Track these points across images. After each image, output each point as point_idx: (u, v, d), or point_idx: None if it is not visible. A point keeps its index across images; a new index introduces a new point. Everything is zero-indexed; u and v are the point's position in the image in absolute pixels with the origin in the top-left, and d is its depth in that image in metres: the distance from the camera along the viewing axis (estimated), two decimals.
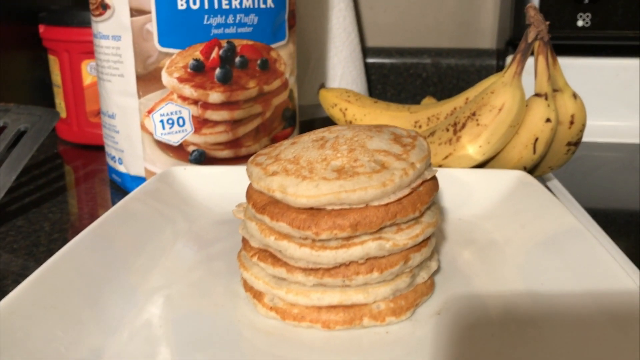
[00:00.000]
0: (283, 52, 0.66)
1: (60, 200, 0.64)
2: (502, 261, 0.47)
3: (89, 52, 0.78)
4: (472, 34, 1.04)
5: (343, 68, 0.90)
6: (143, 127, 0.60)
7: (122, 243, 0.47)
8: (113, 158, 0.65)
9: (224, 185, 0.59)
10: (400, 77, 1.04)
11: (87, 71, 0.80)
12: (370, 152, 0.38)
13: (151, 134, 0.60)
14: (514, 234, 0.51)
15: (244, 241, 0.42)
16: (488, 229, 0.53)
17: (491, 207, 0.56)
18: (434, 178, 0.40)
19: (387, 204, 0.36)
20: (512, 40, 0.93)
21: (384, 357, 0.35)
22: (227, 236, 0.52)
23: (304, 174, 0.37)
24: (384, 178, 0.36)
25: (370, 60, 1.06)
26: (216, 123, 0.62)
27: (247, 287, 0.41)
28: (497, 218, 0.54)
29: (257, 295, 0.40)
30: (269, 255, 0.39)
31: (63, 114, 0.84)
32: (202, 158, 0.62)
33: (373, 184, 0.36)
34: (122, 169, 0.64)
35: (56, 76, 0.83)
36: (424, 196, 0.38)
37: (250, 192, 0.41)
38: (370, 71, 1.04)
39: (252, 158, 0.41)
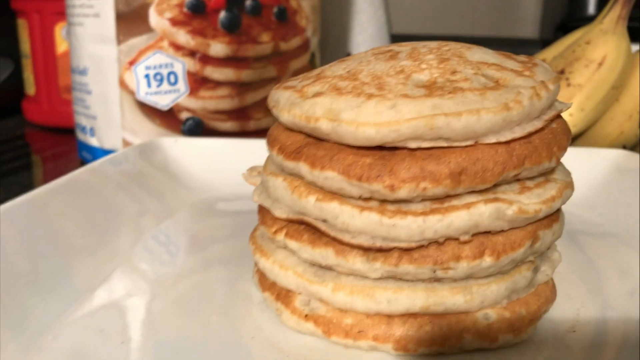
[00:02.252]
0: (305, 3, 0.52)
1: (11, 182, 0.49)
2: (629, 259, 0.32)
3: (64, 12, 0.64)
4: (513, 20, 0.91)
5: (368, 49, 0.76)
6: (122, 84, 0.46)
7: (71, 227, 0.32)
8: (83, 129, 0.50)
9: (226, 164, 0.44)
10: None
11: (62, 36, 0.65)
12: (474, 65, 0.23)
13: (133, 93, 0.46)
14: (631, 225, 0.36)
15: (262, 213, 0.27)
16: (594, 220, 0.38)
17: (587, 195, 0.41)
18: (562, 119, 0.26)
19: (509, 142, 0.22)
20: (564, 24, 0.80)
21: None
22: (228, 229, 0.37)
23: (370, 91, 0.22)
24: (506, 98, 0.21)
25: None
26: (218, 84, 0.48)
27: (266, 283, 0.26)
28: (602, 206, 0.39)
29: (283, 295, 0.25)
30: (304, 230, 0.24)
31: (31, 90, 0.69)
32: (199, 129, 0.48)
33: (489, 105, 0.21)
34: (93, 142, 0.49)
35: (25, 44, 0.68)
36: (561, 137, 0.24)
37: (275, 133, 0.26)
38: None
39: (278, 85, 0.27)
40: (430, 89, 0.22)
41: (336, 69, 0.25)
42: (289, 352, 0.23)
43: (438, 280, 0.22)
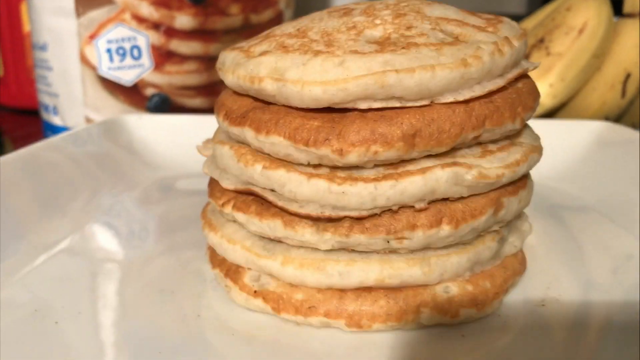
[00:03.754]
0: None
1: None
2: (610, 232, 0.31)
3: None
4: None
5: None
6: (83, 59, 0.44)
7: (25, 199, 0.31)
8: (47, 108, 0.48)
9: (193, 142, 0.42)
10: None
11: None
12: (432, 20, 0.22)
13: (94, 68, 0.44)
14: (613, 198, 0.34)
15: (211, 186, 0.25)
16: (572, 193, 0.37)
17: (568, 168, 0.40)
18: (530, 79, 0.24)
19: (468, 101, 0.20)
20: None
21: None
22: (190, 209, 0.35)
23: (317, 48, 0.20)
24: (464, 53, 0.20)
25: None
26: (185, 58, 0.46)
27: (216, 260, 0.24)
28: (582, 180, 0.38)
29: (233, 272, 0.23)
30: (252, 202, 0.22)
31: (0, 72, 0.67)
32: (165, 106, 0.46)
33: (445, 61, 0.19)
34: (57, 121, 0.47)
35: None
36: (527, 97, 0.22)
37: (223, 99, 0.24)
38: None
39: (228, 47, 0.25)
40: (383, 44, 0.20)
41: (286, 27, 0.23)
42: (236, 329, 0.21)
43: (393, 251, 0.21)
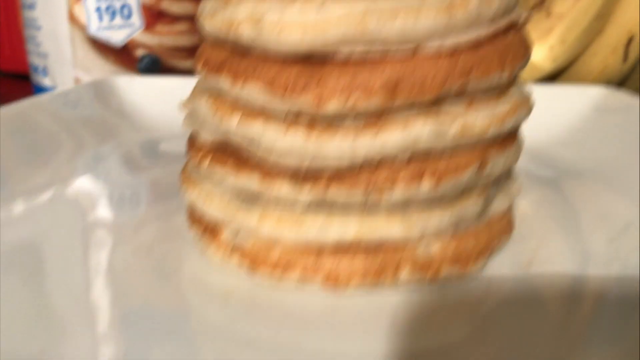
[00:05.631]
0: None
1: None
2: (607, 199, 0.30)
3: None
4: None
5: None
6: (72, 19, 0.43)
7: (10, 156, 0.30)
8: (36, 69, 0.47)
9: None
10: None
11: None
12: None
13: (84, 28, 0.43)
14: (612, 165, 0.33)
15: (190, 141, 0.24)
16: (570, 159, 0.36)
17: (566, 134, 0.39)
18: (521, 32, 0.23)
19: (454, 48, 0.19)
20: None
21: (438, 340, 0.18)
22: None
23: None
24: None
25: None
26: (176, 18, 0.45)
27: (194, 217, 0.24)
28: (580, 146, 0.37)
29: (210, 229, 0.22)
30: (229, 155, 0.21)
31: None
32: (156, 67, 0.45)
33: (430, 5, 0.18)
34: (46, 82, 0.46)
35: None
36: (517, 48, 0.21)
37: (203, 48, 0.23)
38: None
39: None
40: None
41: None
42: (211, 288, 0.21)
43: (372, 206, 0.20)
